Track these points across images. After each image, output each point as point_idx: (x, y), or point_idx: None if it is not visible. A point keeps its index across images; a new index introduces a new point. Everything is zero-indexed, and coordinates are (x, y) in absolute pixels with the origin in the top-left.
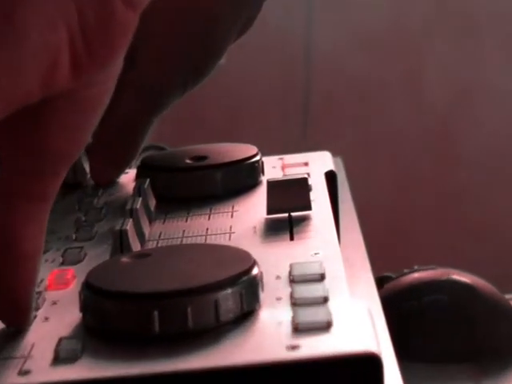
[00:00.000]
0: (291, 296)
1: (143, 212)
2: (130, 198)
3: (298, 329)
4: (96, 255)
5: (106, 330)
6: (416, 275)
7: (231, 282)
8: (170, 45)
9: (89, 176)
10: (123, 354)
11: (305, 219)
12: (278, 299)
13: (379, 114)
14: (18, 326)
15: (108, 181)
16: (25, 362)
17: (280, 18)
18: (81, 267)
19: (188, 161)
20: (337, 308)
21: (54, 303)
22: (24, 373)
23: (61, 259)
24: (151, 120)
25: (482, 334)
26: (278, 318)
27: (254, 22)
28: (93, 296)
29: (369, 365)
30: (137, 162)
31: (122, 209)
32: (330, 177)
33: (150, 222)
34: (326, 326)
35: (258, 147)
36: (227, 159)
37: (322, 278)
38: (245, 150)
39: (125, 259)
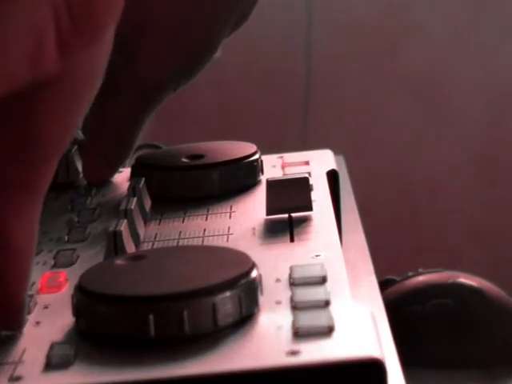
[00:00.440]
0: (291, 299)
1: (138, 212)
2: (124, 198)
3: (299, 333)
4: (89, 257)
5: (99, 335)
6: (421, 278)
7: (229, 285)
8: (166, 40)
9: (81, 175)
10: (117, 359)
11: (305, 220)
12: (278, 303)
13: (382, 111)
14: (10, 329)
15: (101, 180)
16: (16, 367)
17: (280, 16)
18: (73, 270)
19: (184, 159)
20: (339, 312)
21: (46, 307)
22: (15, 379)
23: (53, 261)
24: (146, 116)
25: (490, 339)
26: (277, 323)
27: (252, 19)
28: (86, 299)
29: (372, 371)
30: (131, 160)
31: (116, 209)
32: (332, 176)
33: (145, 222)
34: (327, 331)
35: (256, 145)
36: (225, 158)
37: (323, 280)
38: (243, 148)
39: (119, 261)
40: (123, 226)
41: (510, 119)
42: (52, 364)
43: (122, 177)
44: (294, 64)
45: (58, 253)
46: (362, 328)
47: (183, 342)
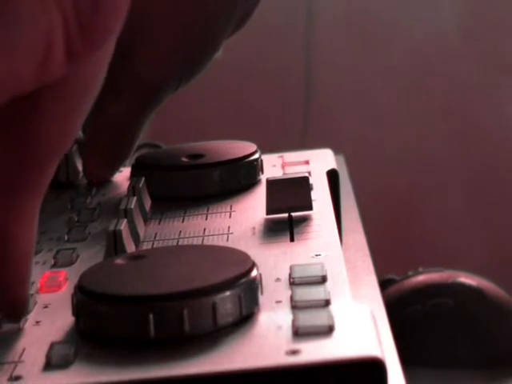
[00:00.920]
0: (291, 299)
1: (138, 212)
2: (124, 198)
3: (299, 333)
4: (89, 257)
5: (99, 335)
6: (421, 278)
7: (229, 284)
8: (167, 39)
9: (81, 175)
10: (117, 359)
11: (306, 219)
12: (278, 302)
13: (382, 111)
14: (15, 320)
15: (102, 179)
16: (15, 367)
17: (280, 14)
18: (73, 269)
19: (184, 159)
20: (339, 311)
21: (46, 306)
22: (14, 379)
23: (52, 261)
24: (146, 116)
25: (489, 339)
26: (277, 322)
27: (252, 18)
28: (86, 299)
29: (372, 370)
30: (131, 160)
31: (116, 209)
32: (332, 175)
33: (145, 222)
34: (327, 330)
35: (256, 145)
36: (225, 157)
37: (323, 280)
38: (243, 148)
39: (119, 261)
40: (123, 226)
41: None
42: (52, 363)
43: (122, 176)
44: (294, 64)
45: (57, 252)
46: (362, 327)
47: (183, 342)
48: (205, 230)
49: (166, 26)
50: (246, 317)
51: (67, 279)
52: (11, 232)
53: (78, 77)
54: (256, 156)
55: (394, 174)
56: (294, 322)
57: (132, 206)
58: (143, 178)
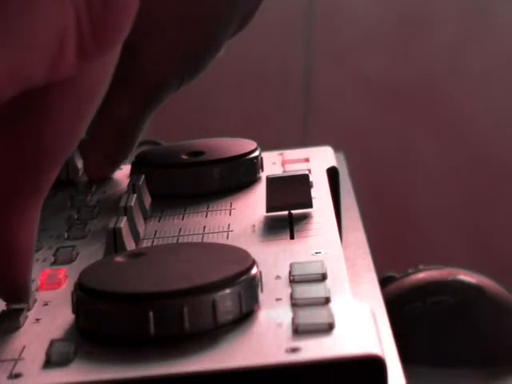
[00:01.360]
0: (291, 297)
1: (138, 209)
2: (124, 195)
3: (299, 331)
4: (89, 254)
5: (99, 332)
6: (421, 275)
7: (229, 282)
8: (170, 40)
9: (81, 173)
10: (117, 356)
11: (306, 217)
12: (278, 300)
13: (383, 108)
14: (19, 304)
15: (102, 177)
16: (15, 364)
17: (280, 13)
18: (73, 267)
19: (184, 156)
20: (339, 309)
21: (46, 304)
22: (14, 376)
23: (52, 258)
24: (147, 115)
25: (490, 337)
26: (277, 320)
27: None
28: (85, 297)
29: (372, 368)
30: (131, 157)
31: (116, 206)
32: (332, 173)
33: (145, 219)
34: (327, 328)
35: (256, 142)
36: (225, 155)
37: (323, 278)
38: (243, 145)
39: (119, 258)
40: (123, 223)
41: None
42: (52, 361)
43: (122, 174)
44: (294, 62)
45: (57, 250)
46: (362, 325)
47: (183, 340)
48: (205, 227)
49: (167, 24)
50: (245, 314)
51: (67, 277)
52: (15, 228)
53: (86, 76)
54: (256, 153)
55: (394, 172)
56: (293, 319)
57: (132, 204)
58: (143, 176)
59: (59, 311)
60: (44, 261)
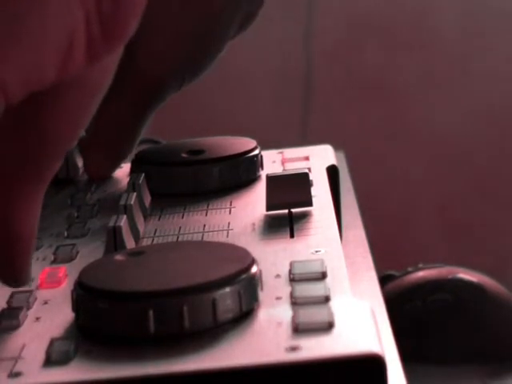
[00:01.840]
0: (291, 295)
1: (138, 208)
2: (124, 194)
3: (299, 329)
4: (89, 253)
5: (99, 331)
6: (421, 274)
7: (229, 280)
8: (171, 39)
9: (81, 171)
10: (117, 355)
11: (305, 216)
12: (278, 298)
13: (383, 106)
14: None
15: (102, 176)
16: (15, 363)
17: (280, 11)
18: (73, 265)
19: (184, 155)
20: (338, 308)
21: (46, 302)
22: (14, 375)
23: (52, 257)
24: (147, 114)
25: (490, 335)
26: (277, 318)
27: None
28: (85, 295)
29: (372, 366)
30: (131, 155)
31: (116, 205)
32: (332, 171)
33: (145, 218)
34: (327, 327)
35: (256, 140)
36: (225, 153)
37: (323, 276)
38: (243, 144)
39: (119, 257)
40: (123, 222)
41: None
42: (52, 360)
43: (122, 172)
44: (295, 60)
45: (57, 248)
46: (362, 324)
47: (183, 338)
48: (205, 226)
49: (166, 25)
50: (245, 313)
51: (67, 275)
52: (17, 213)
53: (92, 70)
54: (256, 152)
55: (394, 171)
56: (293, 318)
57: (132, 202)
58: (143, 174)
59: (59, 310)
60: (44, 259)
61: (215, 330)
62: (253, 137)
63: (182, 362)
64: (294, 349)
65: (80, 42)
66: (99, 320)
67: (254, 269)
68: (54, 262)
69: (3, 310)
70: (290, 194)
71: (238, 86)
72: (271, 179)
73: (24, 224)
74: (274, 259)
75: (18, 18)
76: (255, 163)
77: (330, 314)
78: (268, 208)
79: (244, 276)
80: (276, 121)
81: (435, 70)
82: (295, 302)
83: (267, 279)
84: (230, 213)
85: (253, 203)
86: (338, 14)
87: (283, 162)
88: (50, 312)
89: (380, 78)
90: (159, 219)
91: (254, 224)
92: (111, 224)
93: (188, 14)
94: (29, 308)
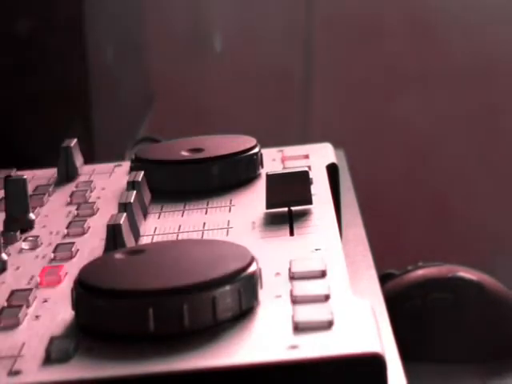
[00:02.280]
0: (291, 293)
1: (137, 206)
2: (123, 192)
3: (298, 328)
4: (88, 251)
5: (99, 329)
6: (421, 272)
7: (229, 279)
8: None
9: (81, 170)
10: (117, 353)
11: (305, 214)
12: (278, 297)
13: (384, 104)
14: None
15: None
16: (15, 361)
17: (280, 12)
18: (73, 263)
19: (184, 153)
20: (338, 306)
21: (45, 301)
22: (14, 373)
23: (52, 255)
24: None
25: (489, 333)
26: (277, 317)
27: (252, 15)
28: (85, 293)
29: (372, 365)
30: (131, 154)
31: (116, 203)
32: (332, 170)
33: (145, 216)
34: (327, 325)
35: (256, 139)
36: (224, 151)
37: (323, 274)
38: (243, 142)
39: (118, 255)
40: (123, 220)
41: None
42: (51, 358)
43: (122, 170)
44: (295, 58)
45: (57, 246)
46: (361, 322)
47: (183, 337)
48: (204, 224)
49: None
50: (245, 311)
51: (67, 273)
52: None
53: None
54: (256, 150)
55: (394, 169)
56: (293, 316)
57: (131, 200)
58: (142, 172)
59: (59, 308)
60: (43, 257)
61: (215, 329)
62: (252, 135)
63: (181, 360)
64: (293, 347)
65: None
66: (99, 318)
67: (253, 267)
68: (54, 260)
69: (3, 308)
70: (290, 192)
71: (237, 84)
72: (271, 177)
73: None
74: (273, 257)
75: None
76: (255, 161)
77: (330, 313)
78: (268, 206)
79: (244, 274)
80: (276, 119)
81: (435, 69)
82: (295, 301)
83: (267, 277)
84: (229, 211)
85: (253, 201)
86: (337, 14)
87: (283, 160)
88: (50, 310)
89: (380, 77)
90: (159, 217)
91: (253, 222)
92: (111, 222)
93: None
94: (28, 306)
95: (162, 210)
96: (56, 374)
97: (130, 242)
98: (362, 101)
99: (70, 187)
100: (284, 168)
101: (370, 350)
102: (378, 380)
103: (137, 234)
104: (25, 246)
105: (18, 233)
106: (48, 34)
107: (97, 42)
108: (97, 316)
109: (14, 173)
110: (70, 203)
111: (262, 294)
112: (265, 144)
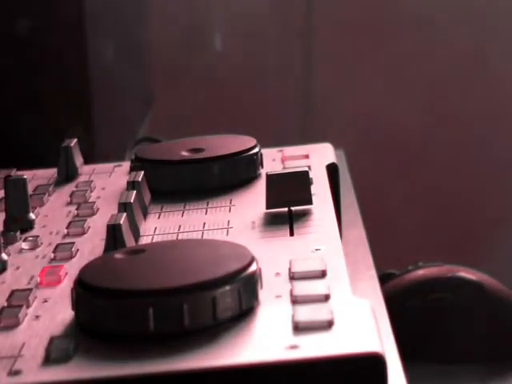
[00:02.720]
0: (291, 293)
1: (137, 206)
2: (123, 192)
3: (298, 328)
4: (88, 251)
5: (99, 329)
6: (420, 272)
7: (229, 278)
8: None
9: (81, 170)
10: (117, 353)
11: (305, 214)
12: (278, 297)
13: (383, 104)
14: None
15: None
16: (15, 361)
17: (279, 12)
18: (73, 263)
19: (184, 153)
20: (338, 306)
21: (45, 301)
22: (14, 373)
23: (52, 255)
24: None
25: (490, 334)
26: (277, 317)
27: (252, 15)
28: (85, 293)
29: (372, 365)
30: (131, 154)
31: (116, 203)
32: (332, 170)
33: (145, 216)
34: (327, 325)
35: (256, 139)
36: (225, 151)
37: (323, 274)
38: (243, 142)
39: (118, 255)
40: (123, 220)
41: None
42: (51, 358)
43: (122, 170)
44: (295, 58)
45: (57, 246)
46: (362, 322)
47: (183, 336)
48: (204, 224)
49: None
50: (245, 311)
51: (67, 273)
52: None
53: None
54: (256, 150)
55: (394, 170)
56: (293, 316)
57: (131, 200)
58: (143, 172)
59: (59, 308)
60: (43, 257)
61: (215, 329)
62: (253, 135)
63: (181, 360)
64: (293, 347)
65: None
66: (99, 318)
67: (253, 267)
68: (54, 260)
69: (3, 308)
70: (290, 192)
71: (237, 84)
72: (271, 177)
73: None
74: (273, 257)
75: None
76: (255, 161)
77: (330, 313)
78: (268, 206)
79: (244, 274)
80: (276, 119)
81: (435, 68)
82: (295, 301)
83: (267, 277)
84: (229, 211)
85: (253, 201)
86: (336, 14)
87: (283, 160)
88: (50, 310)
89: (380, 77)
90: (159, 217)
91: (253, 222)
92: (111, 222)
93: None
94: (28, 306)
95: (161, 209)
96: (56, 374)
97: (130, 241)
98: (362, 101)
99: (70, 187)
100: (284, 168)
101: (370, 349)
102: (378, 380)
103: (137, 234)
104: (25, 245)
105: (18, 233)
106: (48, 34)
107: (97, 42)
108: (97, 316)
109: (14, 173)
110: (70, 203)
111: (262, 294)
112: (265, 144)
